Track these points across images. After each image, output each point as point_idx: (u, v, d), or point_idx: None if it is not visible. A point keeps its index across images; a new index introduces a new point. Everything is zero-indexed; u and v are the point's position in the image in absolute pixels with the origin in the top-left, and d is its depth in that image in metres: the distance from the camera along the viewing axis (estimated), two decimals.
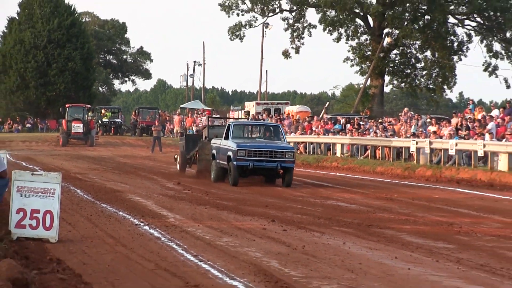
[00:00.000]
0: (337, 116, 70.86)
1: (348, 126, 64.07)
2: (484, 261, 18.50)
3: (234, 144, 36.26)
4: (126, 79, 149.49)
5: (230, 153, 36.26)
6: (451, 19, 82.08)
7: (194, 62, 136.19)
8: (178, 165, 44.81)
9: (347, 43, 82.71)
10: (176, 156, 46.66)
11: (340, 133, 62.05)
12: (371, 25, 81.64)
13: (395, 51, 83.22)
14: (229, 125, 38.86)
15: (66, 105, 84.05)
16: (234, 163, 35.79)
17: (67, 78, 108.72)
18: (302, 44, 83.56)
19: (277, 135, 38.94)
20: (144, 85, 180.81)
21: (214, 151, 38.85)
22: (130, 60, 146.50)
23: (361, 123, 63.91)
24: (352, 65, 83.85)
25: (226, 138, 37.69)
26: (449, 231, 23.33)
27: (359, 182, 42.16)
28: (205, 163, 40.22)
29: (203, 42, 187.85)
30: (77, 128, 78.72)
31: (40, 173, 20.90)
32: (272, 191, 35.37)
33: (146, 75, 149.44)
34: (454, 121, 53.20)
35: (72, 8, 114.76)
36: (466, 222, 25.44)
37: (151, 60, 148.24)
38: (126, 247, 19.04)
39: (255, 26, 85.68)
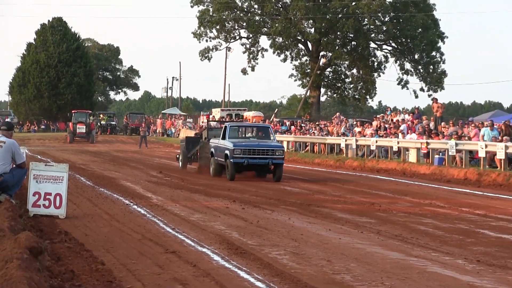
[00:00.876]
0: (284, 120, 71.01)
1: (292, 127, 64.35)
2: (398, 232, 18.53)
3: (231, 143, 33.90)
4: (119, 90, 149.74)
5: (227, 152, 33.80)
6: (372, 44, 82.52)
7: (173, 77, 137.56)
8: (180, 163, 41.92)
9: (291, 63, 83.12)
10: (178, 156, 43.77)
11: (286, 132, 62.42)
12: (310, 49, 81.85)
13: (329, 69, 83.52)
14: (225, 126, 36.39)
15: (73, 111, 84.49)
16: (231, 160, 33.48)
17: (73, 90, 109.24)
18: (257, 63, 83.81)
19: (267, 135, 36.40)
20: (133, 95, 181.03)
21: (212, 150, 36.30)
22: (123, 76, 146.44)
23: (303, 125, 64.25)
24: (295, 80, 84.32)
25: (223, 138, 35.31)
26: (371, 209, 23.35)
27: (301, 171, 42.22)
28: (205, 160, 37.98)
29: (180, 62, 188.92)
30: (81, 129, 78.93)
31: (52, 164, 21.01)
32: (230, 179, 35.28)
33: (135, 87, 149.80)
34: (374, 123, 53.38)
35: (77, 35, 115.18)
36: (384, 202, 25.48)
37: (139, 76, 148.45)
38: (119, 222, 19.07)
39: (220, 50, 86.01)
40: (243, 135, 37.69)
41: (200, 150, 39.17)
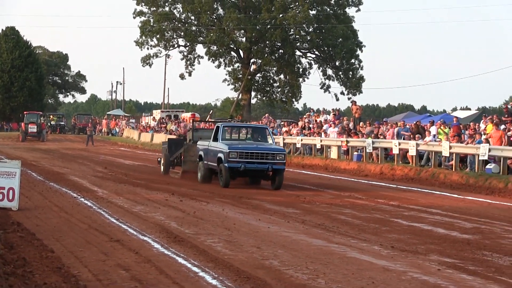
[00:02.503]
0: (218, 120, 70.93)
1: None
2: (321, 221, 18.64)
3: (225, 146, 27.69)
4: (68, 94, 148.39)
5: (220, 155, 27.61)
6: (298, 52, 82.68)
7: (117, 82, 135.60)
8: (162, 167, 35.35)
9: (225, 69, 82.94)
10: (159, 159, 37.17)
11: (183, 132, 62.37)
12: (242, 56, 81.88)
13: (258, 74, 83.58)
14: (217, 126, 29.78)
15: (25, 112, 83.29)
16: (226, 165, 27.28)
17: (25, 93, 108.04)
18: (193, 69, 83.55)
19: (264, 136, 30.15)
20: (81, 98, 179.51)
21: (201, 153, 29.93)
22: (71, 80, 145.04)
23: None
24: (228, 84, 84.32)
25: (215, 140, 28.99)
26: (296, 200, 23.45)
27: None
28: (189, 164, 31.74)
29: (123, 67, 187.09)
30: (32, 128, 77.86)
31: (5, 160, 20.91)
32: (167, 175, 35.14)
33: (82, 91, 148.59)
34: (300, 123, 53.49)
35: (29, 43, 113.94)
36: (308, 194, 25.64)
37: (86, 80, 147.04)
38: (67, 213, 18.89)
39: (160, 57, 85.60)
40: (237, 137, 31.16)
41: (184, 153, 32.43)
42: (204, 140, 30.88)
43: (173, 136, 63.41)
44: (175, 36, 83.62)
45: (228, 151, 27.24)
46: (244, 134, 31.28)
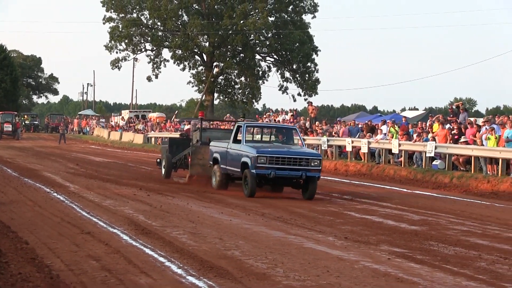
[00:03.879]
0: (183, 120, 70.81)
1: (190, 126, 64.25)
2: (280, 214, 18.67)
3: (252, 149, 22.83)
4: (41, 95, 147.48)
5: (246, 160, 22.87)
6: (258, 56, 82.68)
7: (88, 83, 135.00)
8: (163, 170, 30.34)
9: (189, 71, 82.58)
10: (158, 160, 32.24)
11: (186, 130, 62.09)
12: (205, 60, 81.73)
13: (221, 77, 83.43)
14: (238, 126, 25.05)
15: (0, 112, 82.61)
16: (253, 171, 22.42)
17: (1, 94, 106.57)
18: (160, 72, 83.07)
19: (291, 138, 25.43)
20: (54, 99, 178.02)
21: (217, 156, 25.09)
22: (44, 82, 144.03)
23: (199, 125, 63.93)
24: (192, 86, 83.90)
25: (236, 141, 24.36)
26: (257, 195, 23.39)
27: None
28: (197, 168, 26.99)
29: (94, 70, 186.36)
30: (8, 127, 77.36)
31: None
32: (137, 169, 34.99)
33: (55, 92, 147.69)
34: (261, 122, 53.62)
35: (4, 47, 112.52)
36: (267, 188, 25.56)
37: (59, 82, 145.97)
38: (41, 207, 18.74)
39: (128, 60, 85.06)
40: (260, 138, 27.57)
41: (192, 156, 27.26)
42: (219, 141, 26.13)
43: (167, 134, 63.08)
44: (142, 41, 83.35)
45: (256, 155, 22.42)
46: (268, 135, 27.51)
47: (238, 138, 24.51)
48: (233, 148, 24.11)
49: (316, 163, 22.57)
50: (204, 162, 26.57)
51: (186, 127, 39.65)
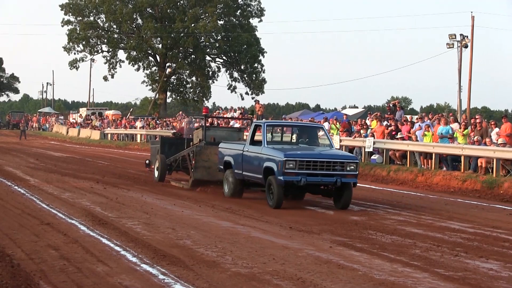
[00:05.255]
0: (138, 117, 70.49)
1: (143, 124, 63.97)
2: (229, 205, 18.66)
3: (279, 152, 18.31)
4: (2, 93, 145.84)
5: (270, 165, 18.35)
6: (208, 57, 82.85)
7: (47, 83, 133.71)
8: (156, 173, 25.97)
9: (143, 71, 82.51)
10: (147, 161, 28.27)
11: (140, 127, 61.85)
12: (158, 61, 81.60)
13: (173, 77, 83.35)
14: (257, 125, 20.73)
15: None
16: (280, 178, 17.84)
17: None
18: (115, 72, 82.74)
19: (316, 138, 20.81)
20: (15, 97, 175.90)
21: (229, 159, 20.66)
22: (5, 82, 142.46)
23: (153, 122, 63.74)
24: (147, 85, 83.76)
25: (255, 143, 20.06)
26: (207, 187, 23.33)
27: None
28: (202, 171, 22.75)
29: (53, 70, 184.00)
30: None
31: None
32: (94, 163, 34.75)
33: (16, 91, 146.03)
34: (210, 120, 53.52)
35: None
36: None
37: (19, 81, 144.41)
38: (2, 200, 18.55)
39: (86, 61, 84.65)
40: (280, 139, 22.55)
41: (197, 157, 22.87)
42: (229, 142, 21.99)
43: (122, 131, 62.55)
44: (99, 43, 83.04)
45: (284, 159, 17.89)
46: (289, 135, 22.43)
47: (255, 139, 20.47)
48: (252, 151, 19.65)
49: (352, 167, 18.33)
50: (209, 164, 22.49)
51: (181, 124, 36.02)
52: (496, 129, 28.12)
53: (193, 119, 40.89)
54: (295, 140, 21.09)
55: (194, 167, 22.97)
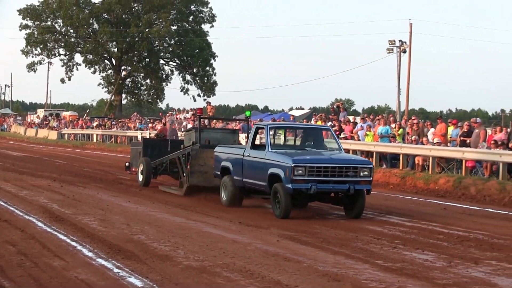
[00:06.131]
0: (94, 118, 69.96)
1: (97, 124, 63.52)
2: (181, 202, 18.69)
3: (286, 157, 15.80)
4: None
5: (276, 171, 15.88)
6: (162, 61, 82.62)
7: (5, 85, 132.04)
8: (140, 176, 23.35)
9: (100, 74, 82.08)
10: (127, 164, 25.54)
11: (95, 127, 61.36)
12: (114, 64, 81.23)
13: (128, 79, 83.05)
14: (258, 128, 18.35)
15: None
16: (288, 185, 15.42)
17: None
18: (72, 74, 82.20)
19: (322, 141, 18.11)
20: None
21: (227, 164, 18.07)
22: None
23: (109, 122, 63.31)
24: (103, 87, 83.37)
25: (257, 147, 17.72)
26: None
27: (107, 157, 41.66)
28: (199, 176, 20.06)
29: (11, 72, 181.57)
30: None
31: None
32: (51, 162, 34.40)
33: None
34: (163, 120, 53.33)
35: None
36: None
37: None
38: None
39: (43, 64, 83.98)
40: (283, 142, 19.80)
41: (192, 162, 20.16)
42: (226, 146, 19.37)
43: (79, 131, 61.71)
44: (56, 46, 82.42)
45: (292, 165, 15.40)
46: (292, 138, 20.18)
47: (257, 143, 18.50)
48: (254, 155, 17.11)
49: (366, 172, 15.94)
50: (206, 169, 19.91)
51: (159, 126, 32.32)
52: (432, 129, 28.56)
53: (175, 120, 38.74)
54: (299, 144, 18.51)
55: (189, 172, 20.20)
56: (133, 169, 24.76)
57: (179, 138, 27.46)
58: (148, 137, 40.55)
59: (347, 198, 16.30)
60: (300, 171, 15.42)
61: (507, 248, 12.67)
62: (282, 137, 20.49)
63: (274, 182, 16.03)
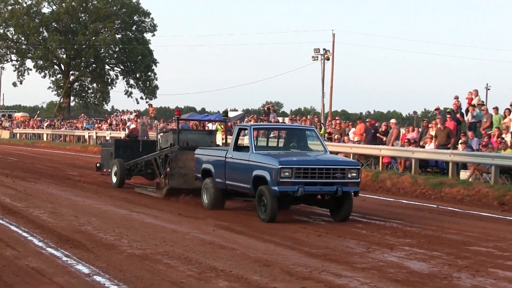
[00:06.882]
0: (45, 119, 68.89)
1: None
2: (125, 196, 18.52)
3: (272, 159, 14.11)
4: None
5: (261, 173, 14.18)
6: (107, 66, 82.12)
7: None
8: (114, 178, 21.49)
9: (49, 78, 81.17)
10: (98, 164, 23.54)
11: (46, 128, 60.41)
12: (63, 69, 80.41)
13: (76, 83, 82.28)
14: (241, 129, 16.48)
15: None
16: (275, 188, 13.77)
17: None
18: (24, 78, 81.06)
19: (306, 142, 16.18)
20: None
21: (208, 167, 16.27)
22: None
23: (58, 123, 62.35)
24: (52, 91, 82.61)
25: (240, 148, 16.02)
26: (108, 181, 22.95)
27: (57, 155, 41.01)
28: (179, 179, 18.02)
29: None
30: None
31: None
32: (4, 160, 33.71)
33: None
34: (109, 121, 52.79)
35: None
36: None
37: None
38: None
39: None
40: (266, 144, 17.08)
41: (172, 164, 18.09)
42: (207, 148, 17.56)
43: (30, 131, 60.41)
44: (8, 53, 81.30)
45: (279, 167, 13.73)
46: (275, 139, 17.82)
47: (239, 144, 16.76)
48: (237, 157, 15.30)
49: (354, 174, 14.27)
50: (186, 171, 17.99)
51: (132, 125, 30.29)
52: (353, 129, 28.89)
53: (145, 121, 37.58)
54: (282, 145, 16.45)
55: (169, 174, 18.17)
56: (105, 170, 23.07)
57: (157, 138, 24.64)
58: (108, 138, 39.47)
59: (334, 200, 14.63)
60: (287, 173, 13.78)
61: (418, 235, 12.90)
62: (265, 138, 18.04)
63: (259, 184, 14.31)
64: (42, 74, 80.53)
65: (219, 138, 26.39)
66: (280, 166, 13.69)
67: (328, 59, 57.94)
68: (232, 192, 15.88)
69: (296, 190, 13.70)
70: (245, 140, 20.88)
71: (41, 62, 79.27)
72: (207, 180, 16.21)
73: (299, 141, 15.93)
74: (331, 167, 14.10)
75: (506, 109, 23.87)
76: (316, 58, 58.36)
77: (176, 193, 18.06)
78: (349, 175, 14.14)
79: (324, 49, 58.07)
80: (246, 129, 16.16)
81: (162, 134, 20.90)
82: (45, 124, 62.23)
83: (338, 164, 14.42)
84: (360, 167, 14.73)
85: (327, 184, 13.98)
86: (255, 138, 15.37)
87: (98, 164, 23.52)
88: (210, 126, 36.06)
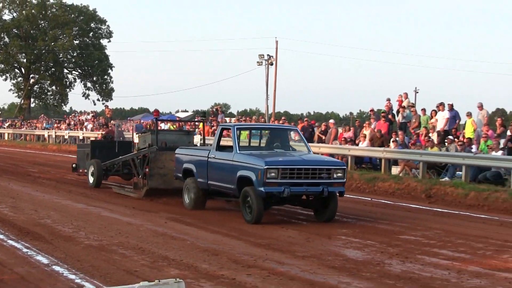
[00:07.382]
0: (6, 119, 67.61)
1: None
2: (83, 191, 18.25)
3: (258, 159, 12.89)
4: None
5: (247, 174, 12.97)
6: (66, 70, 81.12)
7: None
8: (91, 178, 20.09)
9: (10, 81, 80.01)
10: (74, 165, 21.99)
11: (7, 127, 59.26)
12: (23, 73, 79.22)
13: (36, 86, 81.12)
14: (223, 129, 15.95)
15: None
16: (261, 189, 12.58)
17: None
18: None
19: (287, 142, 14.99)
20: None
21: (190, 167, 15.07)
22: None
23: (19, 123, 61.23)
24: (13, 93, 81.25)
25: (223, 148, 14.76)
26: (67, 175, 22.66)
27: (18, 151, 40.27)
28: (158, 179, 16.83)
29: None
30: None
31: None
32: None
33: None
34: (67, 121, 52.08)
35: None
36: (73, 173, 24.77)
37: None
38: None
39: None
40: (248, 143, 16.35)
41: (151, 165, 16.91)
42: (188, 148, 16.37)
43: (20, 131, 58.89)
44: None
45: (265, 167, 12.57)
46: (257, 139, 16.33)
47: (222, 144, 15.23)
48: (221, 157, 14.10)
49: (339, 174, 13.17)
50: (165, 171, 16.83)
51: (90, 125, 28.82)
52: None
53: (120, 123, 35.98)
54: (264, 145, 15.18)
55: (149, 175, 16.95)
56: (81, 170, 21.63)
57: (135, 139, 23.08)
58: (66, 137, 38.56)
59: (319, 201, 13.56)
60: (273, 174, 12.62)
61: (354, 226, 13.05)
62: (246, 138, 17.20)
63: (243, 185, 13.12)
64: (4, 77, 79.38)
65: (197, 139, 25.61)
66: (266, 167, 12.57)
67: (271, 64, 58.12)
68: (214, 192, 14.74)
69: (282, 191, 12.62)
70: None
71: (2, 65, 78.08)
72: (189, 180, 15.06)
73: (282, 141, 14.77)
74: (317, 167, 13.04)
75: (433, 110, 24.31)
76: (261, 63, 58.47)
77: (155, 193, 16.99)
78: (335, 175, 13.09)
79: (268, 55, 58.26)
80: (229, 129, 15.18)
81: (139, 134, 19.85)
82: (6, 124, 61.06)
83: (324, 164, 13.37)
84: (345, 167, 13.77)
85: (313, 185, 12.94)
86: (237, 138, 14.08)
87: (74, 165, 22.07)
88: (163, 126, 35.78)
